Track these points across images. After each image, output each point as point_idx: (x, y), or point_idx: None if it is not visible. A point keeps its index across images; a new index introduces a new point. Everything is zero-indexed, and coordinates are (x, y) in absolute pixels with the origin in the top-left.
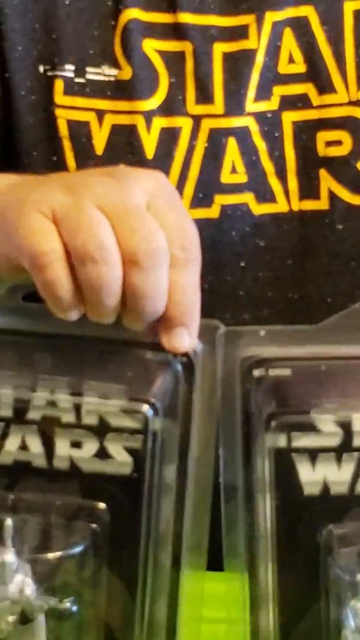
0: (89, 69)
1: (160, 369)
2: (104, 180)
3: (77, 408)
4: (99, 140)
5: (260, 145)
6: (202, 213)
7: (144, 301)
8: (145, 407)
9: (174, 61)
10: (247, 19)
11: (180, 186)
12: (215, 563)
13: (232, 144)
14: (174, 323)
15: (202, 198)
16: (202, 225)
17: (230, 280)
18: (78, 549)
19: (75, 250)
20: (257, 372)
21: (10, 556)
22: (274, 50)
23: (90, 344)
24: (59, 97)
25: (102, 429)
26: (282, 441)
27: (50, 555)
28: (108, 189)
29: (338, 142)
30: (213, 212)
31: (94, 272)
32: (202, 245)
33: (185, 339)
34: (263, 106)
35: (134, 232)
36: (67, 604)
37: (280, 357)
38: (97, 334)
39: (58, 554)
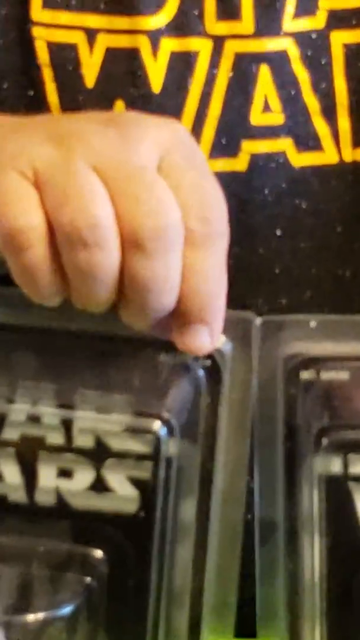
0: None
1: (176, 376)
2: (102, 130)
3: (67, 425)
4: (90, 69)
5: (302, 75)
6: (226, 165)
7: (148, 295)
8: (157, 425)
9: None
10: None
11: (196, 130)
12: (245, 626)
13: (264, 73)
14: (191, 319)
15: (225, 145)
16: (226, 180)
17: (263, 253)
18: (67, 609)
19: (61, 227)
20: (305, 375)
21: None
22: None
23: (85, 342)
24: (37, 12)
25: (99, 454)
26: (336, 466)
27: (31, 617)
28: (107, 143)
29: None
30: (240, 163)
31: (83, 257)
32: (227, 209)
33: (205, 338)
34: (306, 24)
35: (139, 203)
36: None
37: (335, 356)
38: (94, 329)
39: (41, 615)
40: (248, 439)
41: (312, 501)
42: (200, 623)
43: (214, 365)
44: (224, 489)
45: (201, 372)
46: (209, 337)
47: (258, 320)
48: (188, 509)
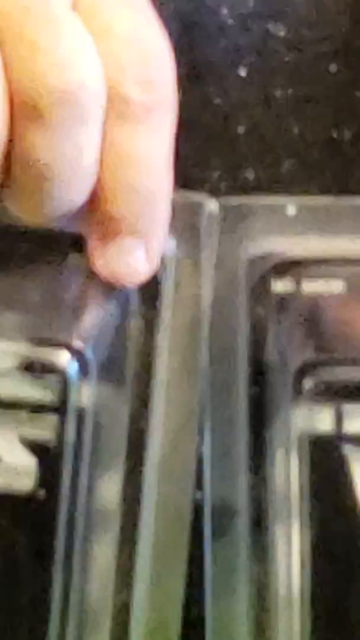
0: None
1: (93, 289)
2: None
3: None
4: None
5: None
6: None
7: (47, 182)
8: (64, 359)
9: None
10: None
11: None
12: None
13: None
14: (116, 228)
15: None
16: None
17: (220, 103)
18: None
19: None
20: (279, 287)
21: None
22: None
23: None
24: None
25: None
26: (324, 421)
27: None
28: None
29: None
30: None
31: None
32: (169, 35)
33: (138, 258)
34: None
35: (36, 53)
36: None
37: (324, 258)
38: None
39: None
40: (199, 382)
41: (288, 474)
42: None
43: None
44: (164, 458)
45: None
46: (144, 257)
47: (213, 204)
48: (110, 487)
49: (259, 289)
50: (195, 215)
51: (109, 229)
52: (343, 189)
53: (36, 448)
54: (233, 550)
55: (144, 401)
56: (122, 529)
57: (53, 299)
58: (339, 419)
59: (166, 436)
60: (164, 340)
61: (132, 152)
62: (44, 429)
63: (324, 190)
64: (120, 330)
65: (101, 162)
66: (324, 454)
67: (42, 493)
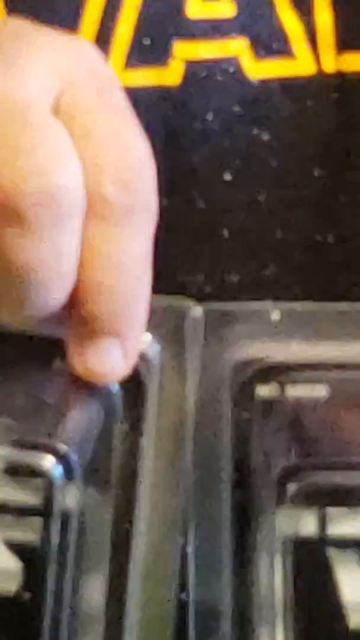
0: None
1: (78, 392)
2: None
3: None
4: None
5: None
6: (150, 76)
7: (27, 285)
8: (49, 462)
9: None
10: None
11: (107, 25)
12: None
13: None
14: (94, 328)
15: (149, 47)
16: (150, 100)
17: (205, 207)
18: None
19: None
20: (264, 391)
21: None
22: None
23: None
24: None
25: None
26: (308, 524)
27: None
28: None
29: None
30: (171, 74)
31: None
32: (151, 138)
33: (115, 358)
34: None
35: (17, 157)
36: None
37: (308, 363)
38: None
39: None
40: (184, 486)
41: (272, 576)
42: None
43: (134, 377)
44: (148, 559)
45: (115, 388)
46: (121, 356)
47: (197, 309)
48: (94, 589)
49: (243, 393)
50: (180, 320)
51: (87, 329)
52: (327, 293)
53: (21, 551)
54: None
55: (128, 503)
56: (107, 630)
57: (38, 403)
58: (322, 522)
59: (150, 538)
60: (148, 443)
61: (111, 254)
62: (28, 532)
63: (308, 294)
64: (104, 434)
65: (80, 262)
66: (308, 557)
67: (26, 595)
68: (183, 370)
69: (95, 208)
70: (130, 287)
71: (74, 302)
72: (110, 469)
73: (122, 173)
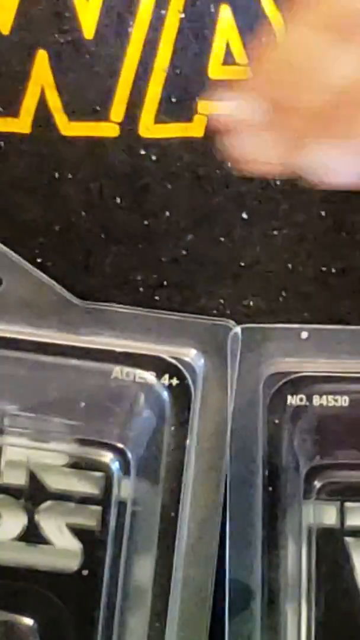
0: None
1: (133, 397)
2: None
3: None
4: (4, 12)
5: (275, 16)
6: (178, 130)
7: None
8: (107, 459)
9: None
10: None
11: (139, 86)
12: None
13: (225, 12)
14: None
15: (176, 105)
16: (177, 150)
17: (225, 242)
18: None
19: None
20: (293, 400)
21: None
22: None
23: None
24: None
25: (32, 494)
26: (330, 516)
27: None
28: None
29: None
30: (195, 128)
31: None
32: (178, 183)
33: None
34: None
35: None
36: None
37: (332, 376)
38: (29, 332)
39: None
40: (223, 480)
41: (299, 561)
42: None
43: (181, 384)
44: (191, 544)
45: (165, 394)
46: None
47: (236, 329)
48: (144, 568)
49: (275, 402)
50: (222, 338)
51: None
52: (330, 319)
53: (82, 534)
54: (247, 627)
55: (175, 495)
56: (153, 605)
57: (98, 407)
58: (342, 514)
59: (193, 526)
60: (192, 444)
61: None
62: (89, 518)
63: (314, 318)
64: (156, 434)
65: None
66: (329, 544)
67: (86, 572)
68: (224, 381)
69: None
70: None
71: None
72: (159, 466)
73: None
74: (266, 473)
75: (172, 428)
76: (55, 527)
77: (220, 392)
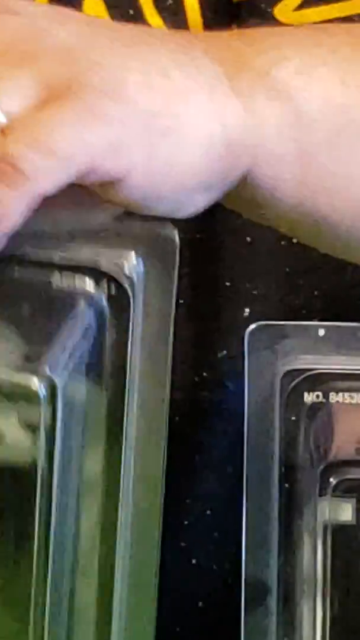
0: None
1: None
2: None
3: None
4: None
5: None
6: None
7: None
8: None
9: None
10: None
11: None
12: None
13: None
14: None
15: None
16: None
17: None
18: None
19: None
20: (310, 397)
21: None
22: None
23: None
24: None
25: None
26: (346, 512)
27: None
28: None
29: None
30: None
31: None
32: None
33: None
34: None
35: None
36: None
37: (348, 373)
38: None
39: None
40: (167, 384)
41: (314, 558)
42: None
43: (119, 292)
44: (137, 439)
45: (103, 300)
46: None
47: (253, 326)
48: (94, 462)
49: (292, 399)
50: (166, 242)
51: None
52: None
53: (34, 431)
54: (263, 624)
55: (119, 395)
56: (104, 494)
57: (39, 311)
58: (357, 511)
59: (138, 422)
60: (135, 350)
61: None
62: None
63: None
64: (98, 340)
65: None
66: (344, 541)
67: (40, 467)
68: (168, 285)
69: None
70: None
71: None
72: (103, 367)
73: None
74: (282, 470)
75: (113, 333)
76: (9, 424)
77: (164, 298)
